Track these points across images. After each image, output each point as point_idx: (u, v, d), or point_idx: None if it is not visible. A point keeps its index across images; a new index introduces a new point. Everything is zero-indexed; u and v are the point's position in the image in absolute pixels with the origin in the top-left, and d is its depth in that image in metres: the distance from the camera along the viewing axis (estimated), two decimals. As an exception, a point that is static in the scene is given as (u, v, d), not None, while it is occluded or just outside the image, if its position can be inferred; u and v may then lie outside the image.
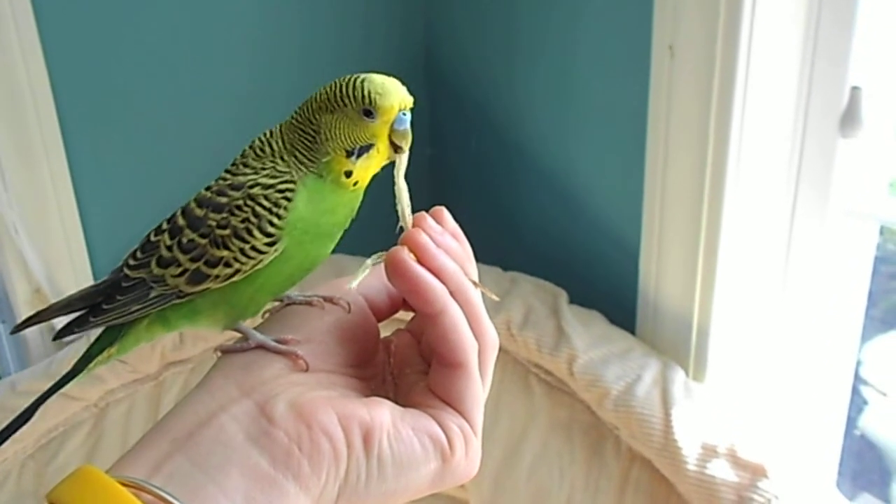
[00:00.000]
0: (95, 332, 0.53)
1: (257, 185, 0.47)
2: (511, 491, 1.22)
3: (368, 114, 0.48)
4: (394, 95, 0.48)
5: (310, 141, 0.49)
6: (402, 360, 0.48)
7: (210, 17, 1.45)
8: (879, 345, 1.26)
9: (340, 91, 0.48)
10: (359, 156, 0.49)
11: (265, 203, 0.47)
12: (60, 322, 0.54)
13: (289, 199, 0.47)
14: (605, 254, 1.37)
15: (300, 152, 0.49)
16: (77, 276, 1.39)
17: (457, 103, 1.64)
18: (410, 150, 0.50)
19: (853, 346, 1.23)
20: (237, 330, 0.48)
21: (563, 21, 1.34)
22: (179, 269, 0.48)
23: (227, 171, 0.50)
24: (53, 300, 1.36)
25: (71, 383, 0.52)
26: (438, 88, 1.67)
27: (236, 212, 0.47)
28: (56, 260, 1.38)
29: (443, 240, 0.46)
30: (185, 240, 0.48)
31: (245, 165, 0.49)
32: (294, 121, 0.50)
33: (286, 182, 0.48)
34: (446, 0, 1.61)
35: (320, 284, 0.50)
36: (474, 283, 0.46)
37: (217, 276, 0.48)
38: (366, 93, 0.47)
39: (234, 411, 0.41)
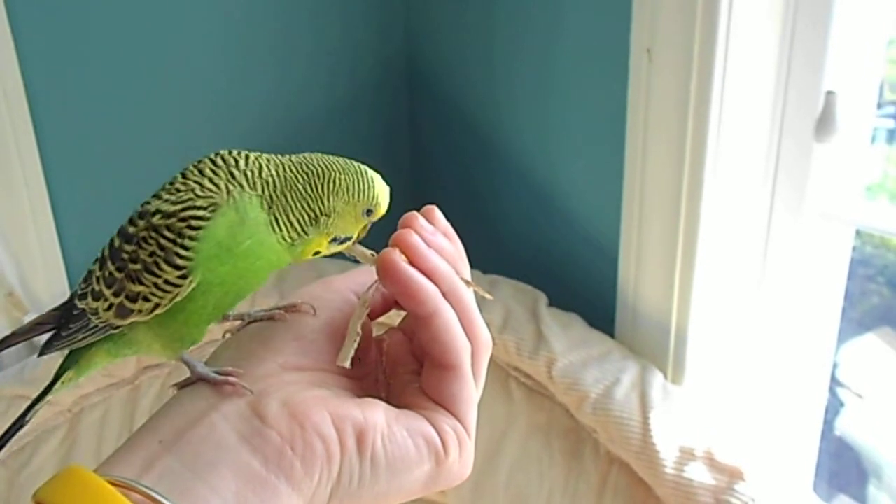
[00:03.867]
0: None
1: (158, 212, 0.45)
2: (490, 494, 1.22)
3: (369, 212, 0.50)
4: (387, 200, 0.50)
5: (311, 216, 0.47)
6: (394, 360, 0.47)
7: (187, 21, 1.44)
8: (855, 347, 1.28)
9: (357, 187, 0.48)
10: (340, 243, 0.50)
11: (168, 234, 0.44)
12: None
13: (194, 228, 0.44)
14: (584, 257, 1.38)
15: (297, 219, 0.47)
16: (51, 280, 1.37)
17: (437, 106, 1.63)
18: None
19: (829, 348, 1.24)
20: (182, 361, 0.46)
21: (543, 24, 1.34)
22: (107, 304, 0.47)
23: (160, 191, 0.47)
24: (27, 304, 1.35)
25: (42, 402, 0.52)
26: (418, 91, 1.67)
27: (143, 244, 0.45)
28: (29, 263, 1.35)
29: (434, 239, 0.45)
30: (107, 273, 0.47)
31: (172, 185, 0.47)
32: (301, 184, 0.47)
33: (193, 208, 0.44)
34: (426, 2, 1.61)
35: (306, 286, 0.49)
36: (467, 282, 0.46)
37: (140, 311, 0.46)
38: (375, 194, 0.49)
39: (226, 410, 0.40)
